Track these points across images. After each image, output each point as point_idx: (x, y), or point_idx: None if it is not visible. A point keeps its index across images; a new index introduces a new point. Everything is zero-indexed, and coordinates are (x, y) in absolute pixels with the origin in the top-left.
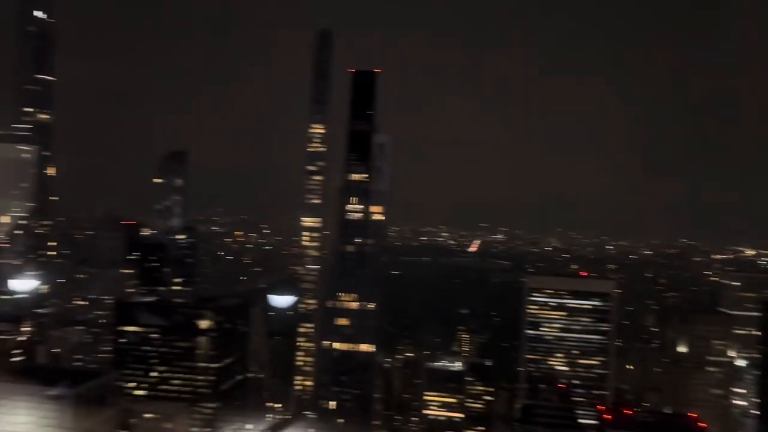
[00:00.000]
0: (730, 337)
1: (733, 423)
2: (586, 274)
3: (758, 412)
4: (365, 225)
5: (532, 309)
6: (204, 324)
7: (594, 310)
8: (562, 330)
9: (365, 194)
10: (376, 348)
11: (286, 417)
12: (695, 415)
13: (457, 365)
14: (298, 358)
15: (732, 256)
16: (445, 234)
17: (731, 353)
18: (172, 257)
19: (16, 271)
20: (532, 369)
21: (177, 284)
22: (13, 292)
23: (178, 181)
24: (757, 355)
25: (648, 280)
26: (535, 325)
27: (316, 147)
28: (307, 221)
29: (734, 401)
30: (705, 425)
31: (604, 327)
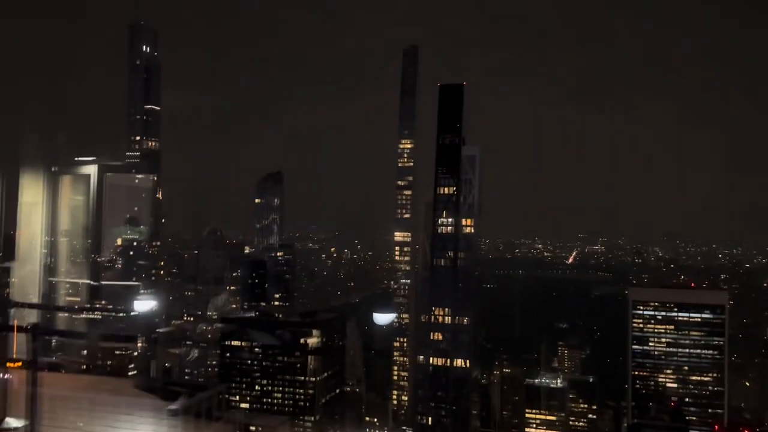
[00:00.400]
0: None
1: None
2: (695, 285)
3: None
4: (456, 238)
5: (637, 323)
6: (309, 339)
7: (705, 323)
8: (671, 345)
9: (455, 207)
10: (472, 364)
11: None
12: None
13: (558, 382)
14: (394, 372)
15: None
16: (539, 246)
17: None
18: (272, 274)
19: (132, 292)
20: (639, 386)
21: (277, 300)
22: (133, 312)
23: (275, 201)
24: None
25: (764, 290)
26: (641, 340)
27: (405, 162)
28: (398, 236)
29: None
30: None
31: (717, 341)
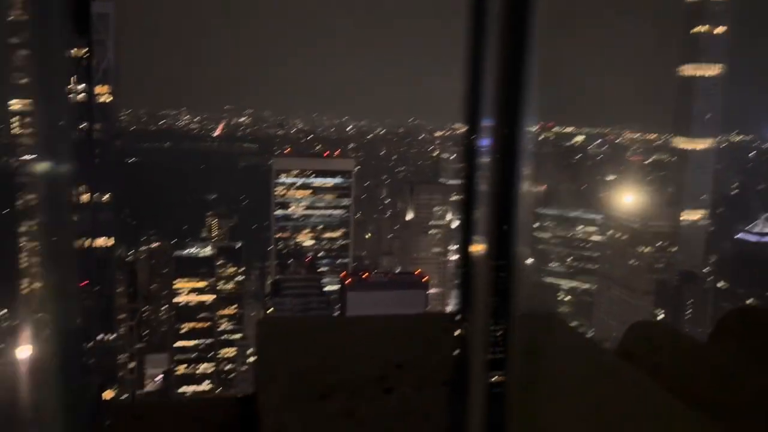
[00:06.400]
0: (448, 203)
1: (449, 274)
2: (328, 153)
3: None
4: (90, 108)
5: (280, 190)
6: None
7: (337, 187)
8: (308, 208)
9: (87, 72)
10: (116, 241)
11: (14, 323)
12: (419, 271)
13: (207, 250)
14: (22, 259)
15: (450, 133)
16: (186, 117)
17: (448, 217)
18: None
19: None
20: (281, 247)
21: None
22: None
23: None
24: None
25: (382, 158)
26: (283, 205)
27: (20, 15)
28: (16, 104)
29: (450, 257)
30: (427, 279)
31: (345, 202)
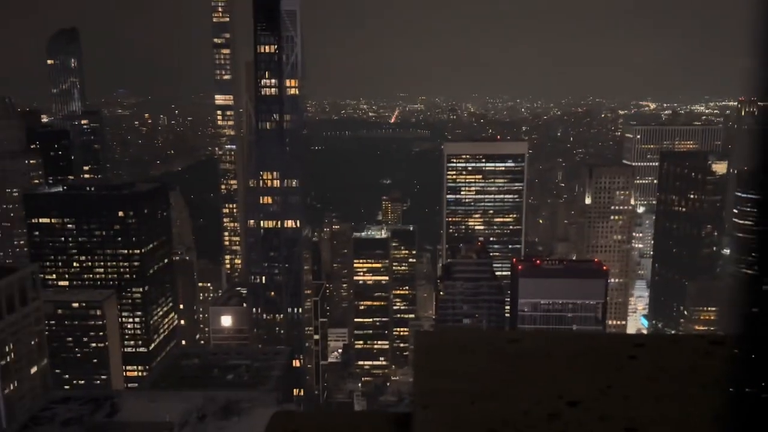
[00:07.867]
0: (631, 187)
1: (632, 264)
2: (500, 138)
3: (653, 252)
4: (281, 100)
5: (451, 174)
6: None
7: (508, 171)
8: (479, 192)
9: (278, 67)
10: (303, 223)
11: (218, 294)
12: (598, 260)
13: (383, 233)
14: (225, 238)
15: (634, 111)
16: (364, 106)
17: (632, 201)
18: (77, 144)
19: None
20: (452, 230)
21: (86, 172)
22: None
23: (72, 62)
24: (654, 202)
25: (558, 139)
26: (454, 190)
27: (221, 17)
28: (219, 99)
29: (633, 245)
30: (607, 268)
31: (517, 186)
